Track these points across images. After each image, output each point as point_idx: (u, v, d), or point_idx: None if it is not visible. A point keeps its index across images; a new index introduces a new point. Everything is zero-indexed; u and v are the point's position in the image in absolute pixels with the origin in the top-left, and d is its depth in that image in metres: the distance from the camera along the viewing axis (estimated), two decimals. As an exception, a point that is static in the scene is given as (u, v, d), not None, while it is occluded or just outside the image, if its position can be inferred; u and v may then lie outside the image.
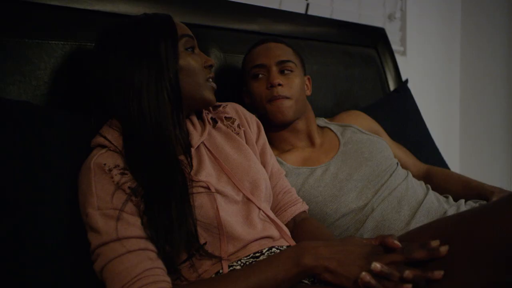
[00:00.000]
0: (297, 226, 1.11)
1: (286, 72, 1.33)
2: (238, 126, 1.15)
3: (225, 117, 1.15)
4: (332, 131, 1.44)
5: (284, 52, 1.36)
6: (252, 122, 1.19)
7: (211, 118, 1.13)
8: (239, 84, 1.44)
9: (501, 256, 0.74)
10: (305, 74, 1.43)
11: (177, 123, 0.98)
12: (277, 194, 1.15)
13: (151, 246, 0.86)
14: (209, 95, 1.05)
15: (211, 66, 1.07)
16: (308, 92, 1.44)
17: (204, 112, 1.12)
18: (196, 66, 1.03)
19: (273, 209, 1.14)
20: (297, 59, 1.38)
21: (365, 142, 1.39)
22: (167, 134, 0.96)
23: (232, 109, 1.18)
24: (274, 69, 1.32)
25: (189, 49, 1.04)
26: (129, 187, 0.89)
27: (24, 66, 1.06)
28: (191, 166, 0.98)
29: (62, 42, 1.12)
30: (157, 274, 0.84)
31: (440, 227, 0.84)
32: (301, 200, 1.17)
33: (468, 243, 0.78)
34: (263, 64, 1.33)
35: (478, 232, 0.77)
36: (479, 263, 0.76)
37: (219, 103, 1.18)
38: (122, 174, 0.92)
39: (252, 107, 1.37)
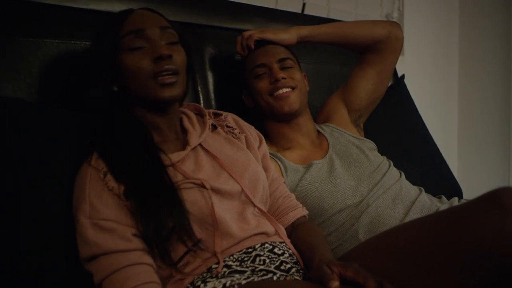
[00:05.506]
0: (293, 230, 1.11)
1: (286, 68, 1.37)
2: (239, 133, 1.16)
3: (226, 125, 1.16)
4: (320, 132, 1.46)
5: (282, 50, 1.39)
6: (252, 132, 1.20)
7: (212, 124, 1.14)
8: (234, 84, 1.45)
9: (474, 260, 0.73)
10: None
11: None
12: (277, 199, 1.15)
13: (139, 258, 0.87)
14: (160, 93, 0.96)
15: (160, 57, 0.95)
16: (307, 88, 1.46)
17: (207, 115, 1.13)
18: (134, 66, 0.96)
19: (273, 213, 1.14)
20: (294, 57, 1.42)
21: (352, 143, 1.42)
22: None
23: (231, 119, 1.19)
24: (276, 66, 1.35)
25: (134, 49, 0.96)
26: (124, 190, 0.90)
27: (19, 64, 1.07)
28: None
29: (57, 41, 1.14)
30: None
31: (418, 229, 0.84)
32: (301, 205, 1.18)
33: (439, 246, 0.78)
34: (264, 63, 1.36)
35: (449, 235, 0.77)
36: (451, 266, 0.75)
37: (220, 112, 1.19)
38: None
39: (256, 108, 1.39)
